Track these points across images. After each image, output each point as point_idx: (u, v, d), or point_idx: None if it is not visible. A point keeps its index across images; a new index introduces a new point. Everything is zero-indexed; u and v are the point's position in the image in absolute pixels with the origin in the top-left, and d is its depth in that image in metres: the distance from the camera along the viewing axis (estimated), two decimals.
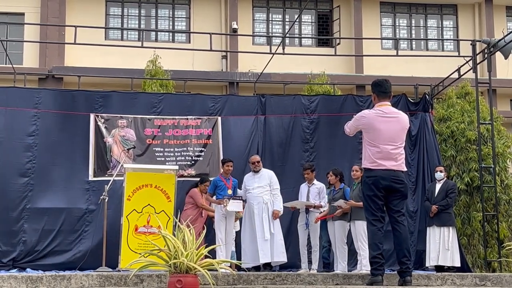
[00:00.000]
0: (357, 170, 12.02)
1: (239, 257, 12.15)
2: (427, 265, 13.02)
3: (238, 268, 10.58)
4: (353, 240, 12.12)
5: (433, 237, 12.85)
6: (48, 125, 13.67)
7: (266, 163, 13.57)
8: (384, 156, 8.03)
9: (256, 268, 11.86)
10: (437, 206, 12.79)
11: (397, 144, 8.10)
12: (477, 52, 14.51)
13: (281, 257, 12.21)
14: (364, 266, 11.36)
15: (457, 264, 12.70)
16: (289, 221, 13.26)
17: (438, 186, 13.06)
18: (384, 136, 8.05)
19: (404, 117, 8.30)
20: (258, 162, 12.52)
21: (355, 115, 8.52)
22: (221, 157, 13.85)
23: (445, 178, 13.28)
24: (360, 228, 11.54)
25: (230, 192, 12.13)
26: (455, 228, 13.13)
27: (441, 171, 13.23)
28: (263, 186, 12.32)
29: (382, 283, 7.86)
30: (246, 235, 12.23)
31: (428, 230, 13.00)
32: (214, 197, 12.13)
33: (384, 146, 8.04)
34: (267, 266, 12.11)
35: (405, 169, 8.25)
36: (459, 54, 16.31)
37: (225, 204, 11.90)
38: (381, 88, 8.34)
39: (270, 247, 12.08)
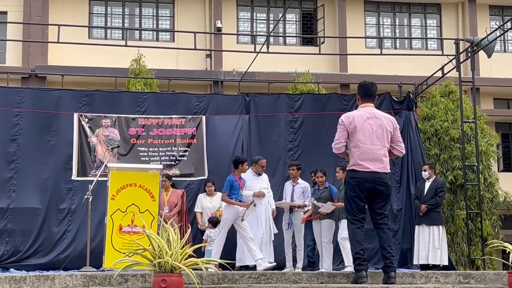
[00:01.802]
0: (337, 171, 12.12)
1: (232, 257, 12.10)
2: (415, 263, 13.06)
3: (223, 267, 10.57)
4: (338, 239, 12.17)
5: (422, 235, 12.87)
6: (31, 124, 13.59)
7: (251, 162, 13.58)
8: (369, 157, 8.06)
9: (244, 268, 11.87)
10: (426, 206, 12.82)
11: (380, 145, 8.12)
12: (461, 51, 14.59)
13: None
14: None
15: (445, 262, 12.76)
16: (274, 221, 13.25)
17: (427, 185, 13.09)
18: (367, 136, 8.07)
19: (388, 119, 8.31)
20: (265, 166, 12.49)
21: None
22: (205, 157, 13.91)
23: (434, 176, 13.32)
24: (346, 227, 11.57)
25: (243, 192, 11.86)
26: (444, 227, 13.19)
27: (425, 170, 13.27)
28: (266, 187, 12.35)
29: (366, 280, 7.89)
30: (255, 234, 12.14)
31: (417, 228, 13.02)
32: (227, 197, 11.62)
33: (368, 146, 8.06)
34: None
35: (389, 171, 8.28)
36: (442, 53, 16.41)
37: (246, 212, 11.66)
38: (366, 91, 8.38)
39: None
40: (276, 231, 12.45)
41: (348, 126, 8.15)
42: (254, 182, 12.30)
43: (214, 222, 12.58)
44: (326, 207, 11.95)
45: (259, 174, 12.38)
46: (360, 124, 8.11)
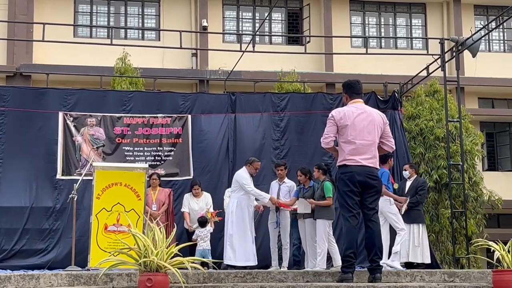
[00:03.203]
0: (314, 170, 12.11)
1: (220, 256, 12.15)
2: None
3: (208, 266, 10.57)
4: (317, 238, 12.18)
5: None
6: (16, 123, 13.53)
7: (237, 162, 13.60)
8: (359, 151, 8.05)
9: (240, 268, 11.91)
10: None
11: (371, 140, 8.12)
12: (446, 50, 14.64)
13: None
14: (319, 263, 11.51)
15: (427, 260, 12.78)
16: (259, 219, 13.27)
17: (408, 184, 13.13)
18: (359, 131, 8.07)
19: (378, 114, 8.32)
20: (259, 169, 12.53)
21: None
22: (191, 156, 13.95)
23: (416, 176, 13.35)
24: (321, 227, 11.57)
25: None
26: (425, 225, 13.22)
27: (405, 170, 13.31)
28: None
29: (352, 280, 7.89)
30: (238, 234, 12.20)
31: None
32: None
33: (359, 141, 8.06)
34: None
35: (378, 167, 8.29)
36: (427, 52, 16.41)
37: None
38: (354, 89, 8.40)
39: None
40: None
41: (339, 121, 8.15)
42: (249, 183, 12.33)
43: (201, 222, 12.56)
44: (303, 206, 11.93)
45: (252, 176, 12.38)
46: (351, 119, 8.11)
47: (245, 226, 12.14)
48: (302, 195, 12.25)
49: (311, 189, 12.24)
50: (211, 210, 12.92)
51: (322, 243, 11.53)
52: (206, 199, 13.18)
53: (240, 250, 12.08)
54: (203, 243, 12.33)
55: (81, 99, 14.05)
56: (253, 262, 12.03)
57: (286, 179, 12.67)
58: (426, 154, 15.57)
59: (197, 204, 13.10)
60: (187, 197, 13.30)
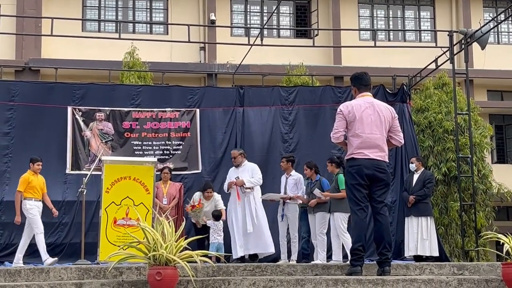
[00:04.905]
0: (327, 164, 12.17)
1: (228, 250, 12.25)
2: (405, 255, 13.10)
3: (218, 260, 10.60)
4: (331, 232, 12.20)
5: (411, 227, 12.91)
6: (25, 118, 13.58)
7: (246, 155, 13.57)
8: (368, 145, 8.01)
9: (241, 259, 11.97)
10: (414, 197, 12.85)
11: (379, 134, 8.08)
12: (454, 42, 14.61)
13: (271, 248, 12.39)
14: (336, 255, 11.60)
15: (436, 253, 12.78)
16: (269, 213, 13.27)
17: (415, 177, 13.12)
18: (366, 125, 8.02)
19: (387, 108, 8.27)
20: (235, 158, 12.58)
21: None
22: (199, 150, 13.95)
23: (423, 169, 13.33)
24: (338, 220, 11.59)
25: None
26: (433, 218, 13.20)
27: (412, 162, 13.29)
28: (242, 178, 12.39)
29: (361, 274, 7.88)
30: (233, 229, 12.34)
31: (406, 220, 13.07)
32: None
33: (367, 135, 8.03)
34: (254, 258, 12.19)
35: (387, 160, 8.25)
36: (436, 45, 16.36)
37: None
38: (362, 81, 8.35)
39: (256, 238, 12.23)
40: (250, 229, 12.39)
41: (347, 115, 8.11)
42: (233, 174, 12.57)
43: (216, 216, 12.61)
44: (315, 193, 12.00)
45: (236, 166, 12.53)
46: (359, 113, 8.07)
47: (236, 220, 12.24)
48: (309, 189, 12.25)
49: (318, 183, 12.26)
50: (219, 206, 12.96)
51: (341, 235, 11.61)
52: (215, 201, 13.12)
53: (234, 243, 12.25)
54: (218, 237, 12.41)
55: (89, 93, 14.08)
56: (242, 253, 12.13)
57: (293, 172, 12.66)
58: (435, 147, 15.54)
59: (206, 203, 13.10)
60: (197, 196, 13.19)
